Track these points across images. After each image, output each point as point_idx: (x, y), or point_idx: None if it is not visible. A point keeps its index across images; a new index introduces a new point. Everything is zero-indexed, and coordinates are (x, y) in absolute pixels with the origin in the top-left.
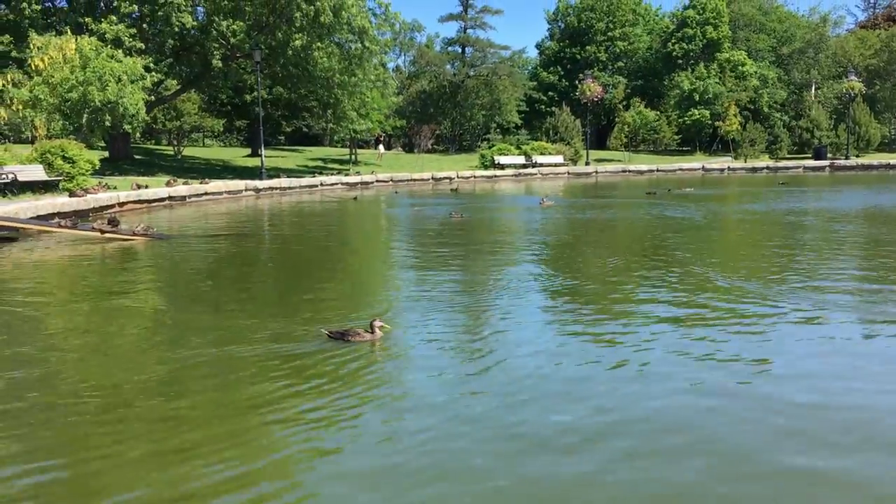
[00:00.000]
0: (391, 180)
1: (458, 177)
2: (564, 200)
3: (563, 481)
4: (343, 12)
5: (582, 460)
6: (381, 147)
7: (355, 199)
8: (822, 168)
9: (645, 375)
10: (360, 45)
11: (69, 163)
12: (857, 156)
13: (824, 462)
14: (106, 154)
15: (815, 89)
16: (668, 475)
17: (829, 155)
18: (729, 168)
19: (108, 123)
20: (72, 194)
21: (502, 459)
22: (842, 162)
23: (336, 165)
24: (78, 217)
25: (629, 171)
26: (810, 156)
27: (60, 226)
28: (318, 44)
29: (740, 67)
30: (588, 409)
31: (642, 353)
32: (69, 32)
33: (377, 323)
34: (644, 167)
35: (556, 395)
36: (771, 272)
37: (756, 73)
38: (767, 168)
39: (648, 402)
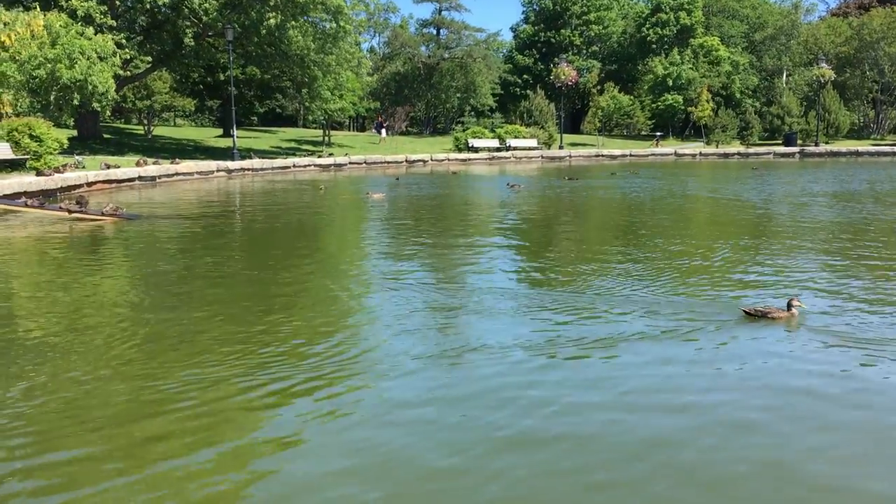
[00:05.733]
0: (365, 162)
1: (431, 159)
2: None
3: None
4: None
5: None
6: (383, 132)
7: (321, 189)
8: (791, 154)
9: None
10: (334, 24)
11: (36, 141)
12: (827, 143)
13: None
14: (74, 133)
15: (787, 76)
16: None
17: (799, 142)
18: (701, 153)
19: (76, 101)
20: (39, 173)
21: None
22: (811, 149)
23: (310, 147)
24: (45, 196)
25: (602, 156)
26: (781, 142)
27: (27, 205)
28: (293, 22)
29: (713, 53)
30: None
31: None
32: (38, 8)
33: (794, 302)
34: (617, 152)
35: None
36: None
37: (728, 58)
38: (738, 154)
39: None
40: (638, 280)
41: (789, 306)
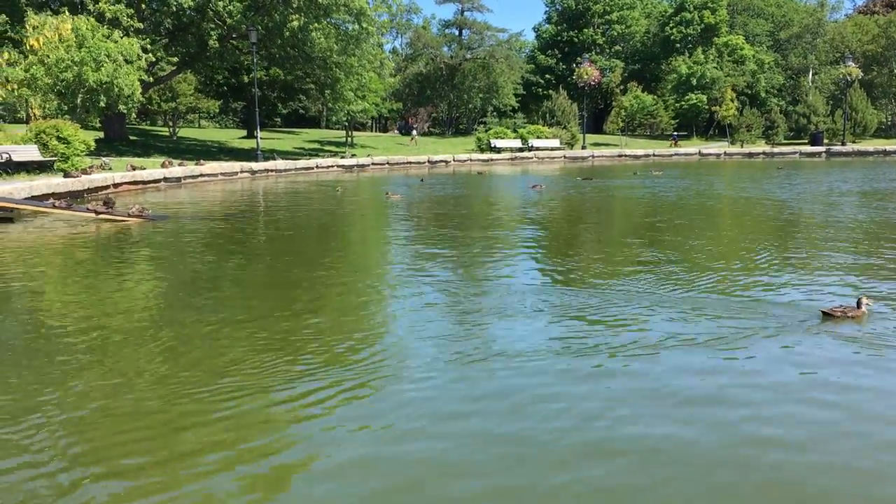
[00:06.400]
0: (387, 163)
1: (454, 160)
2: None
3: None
4: None
5: None
6: (414, 132)
7: (338, 190)
8: (818, 154)
9: None
10: (357, 26)
11: (64, 143)
12: (854, 142)
13: None
14: (101, 134)
15: (813, 75)
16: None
17: (826, 141)
18: (725, 153)
19: (102, 104)
20: (66, 175)
21: None
22: (838, 148)
23: (333, 148)
24: (73, 198)
25: (625, 156)
26: (807, 141)
27: (55, 206)
28: (316, 24)
29: (738, 52)
30: None
31: None
32: (66, 12)
33: (863, 300)
34: (640, 151)
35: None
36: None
37: (753, 57)
38: (764, 153)
39: None
40: (687, 281)
41: (859, 304)
